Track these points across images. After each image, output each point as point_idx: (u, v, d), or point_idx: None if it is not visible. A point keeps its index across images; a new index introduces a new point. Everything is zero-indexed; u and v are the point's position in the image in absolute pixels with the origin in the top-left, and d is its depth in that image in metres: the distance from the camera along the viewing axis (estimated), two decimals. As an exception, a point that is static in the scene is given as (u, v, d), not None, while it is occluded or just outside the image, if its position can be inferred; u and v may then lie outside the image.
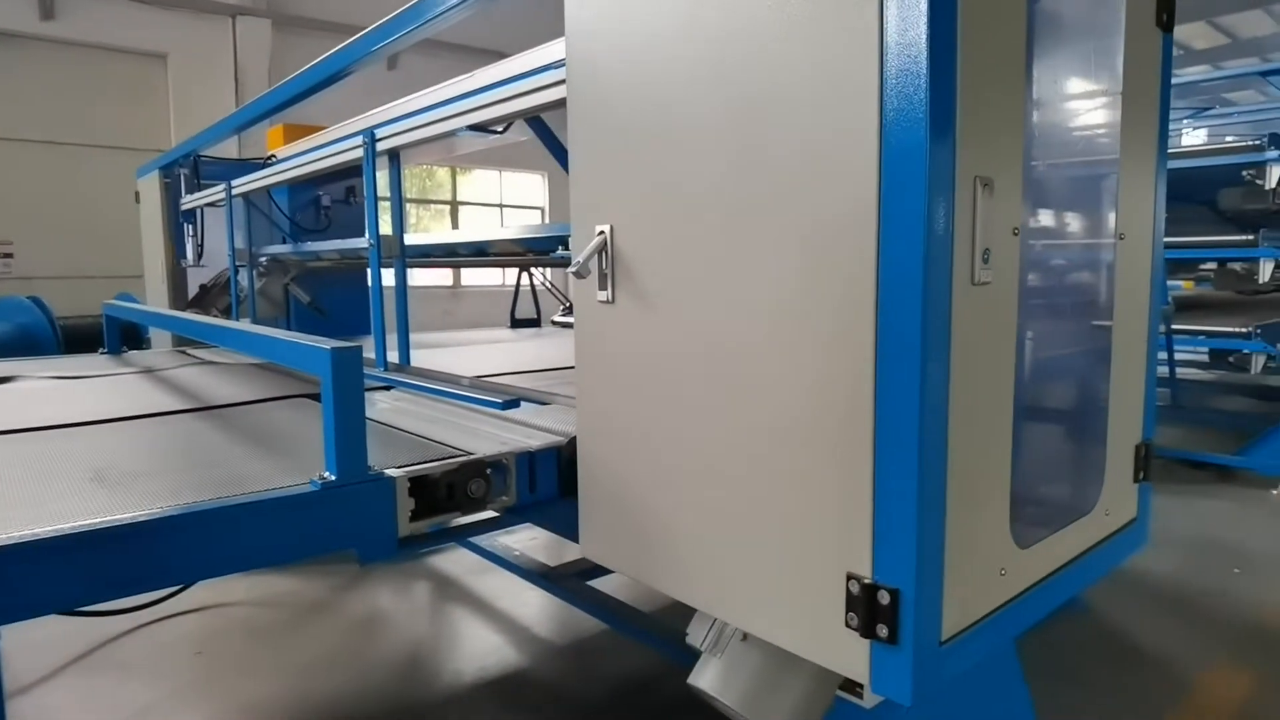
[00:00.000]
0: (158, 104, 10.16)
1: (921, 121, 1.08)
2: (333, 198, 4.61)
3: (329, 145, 2.87)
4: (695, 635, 1.50)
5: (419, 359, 3.21)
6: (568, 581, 2.84)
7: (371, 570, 3.71)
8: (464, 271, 12.97)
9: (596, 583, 2.84)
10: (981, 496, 1.30)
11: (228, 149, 8.10)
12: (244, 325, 2.60)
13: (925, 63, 1.08)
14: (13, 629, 3.22)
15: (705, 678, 1.45)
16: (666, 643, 2.37)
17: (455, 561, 3.84)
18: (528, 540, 3.98)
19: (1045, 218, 1.72)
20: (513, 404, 1.97)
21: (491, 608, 3.35)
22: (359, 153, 2.56)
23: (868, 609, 1.18)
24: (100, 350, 4.03)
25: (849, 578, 1.21)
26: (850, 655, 1.23)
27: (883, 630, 1.17)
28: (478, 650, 2.97)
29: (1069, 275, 1.81)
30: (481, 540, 3.30)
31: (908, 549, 1.14)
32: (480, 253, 2.79)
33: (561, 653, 2.96)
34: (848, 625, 1.21)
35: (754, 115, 1.30)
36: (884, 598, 1.17)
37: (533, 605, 3.34)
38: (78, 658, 2.91)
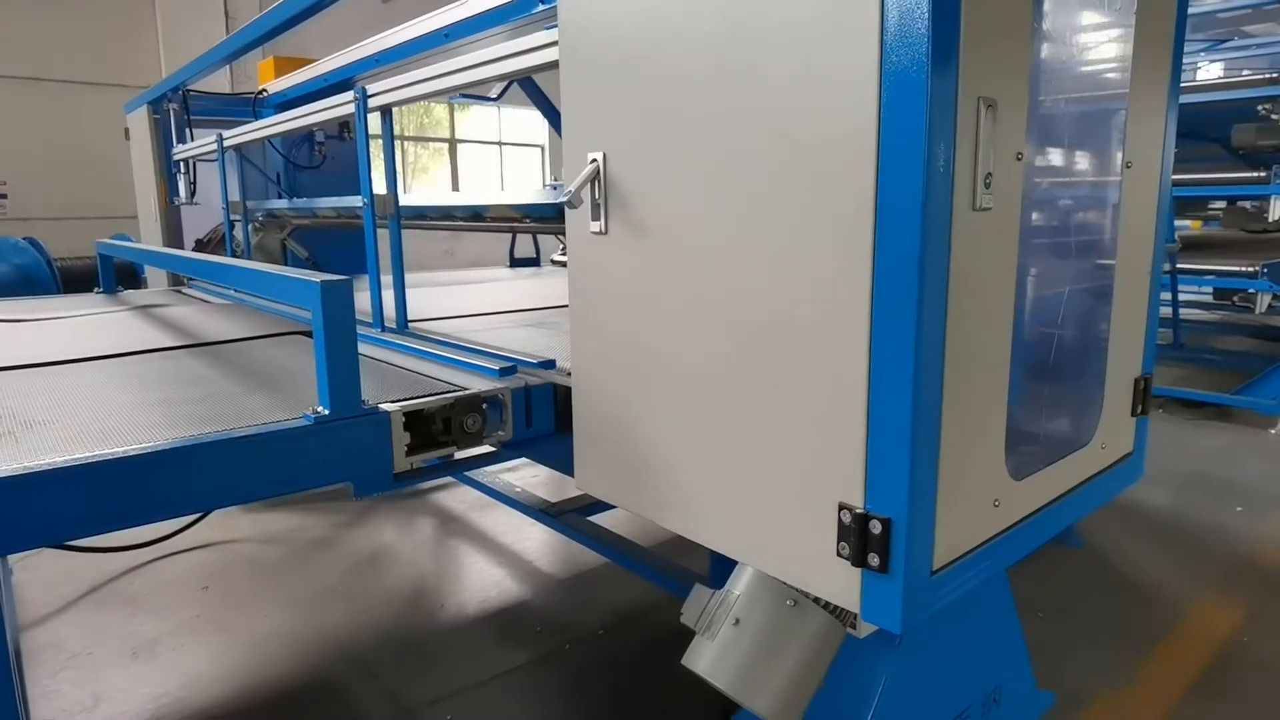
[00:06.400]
0: (146, 40, 9.92)
1: (923, 38, 1.04)
2: (327, 133, 4.52)
3: (319, 101, 2.79)
4: (689, 616, 1.53)
5: (417, 299, 3.18)
6: (568, 517, 2.87)
7: (375, 507, 3.75)
8: (465, 210, 12.82)
9: (597, 518, 2.88)
10: (976, 428, 1.29)
11: (220, 83, 7.93)
12: (236, 261, 2.57)
13: (929, -25, 1.03)
14: (24, 565, 3.28)
15: (697, 660, 1.50)
16: (663, 575, 2.41)
17: (458, 498, 3.88)
18: (530, 477, 4.02)
19: (1051, 149, 1.67)
20: (509, 371, 1.96)
21: (494, 543, 3.39)
22: (350, 108, 2.50)
23: (859, 538, 1.18)
24: (96, 289, 4.00)
25: (841, 507, 1.21)
26: (841, 584, 1.24)
27: (874, 559, 1.18)
28: (480, 584, 3.02)
29: (1073, 208, 1.77)
30: (484, 477, 3.34)
31: (900, 479, 1.14)
32: (477, 216, 2.75)
33: (561, 585, 3.01)
34: (839, 554, 1.22)
35: (749, 32, 1.25)
36: (875, 527, 1.17)
37: (534, 540, 3.39)
38: (88, 592, 2.96)
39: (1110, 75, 1.66)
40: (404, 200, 2.61)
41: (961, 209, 1.14)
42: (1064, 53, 1.62)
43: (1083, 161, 1.74)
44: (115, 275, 4.05)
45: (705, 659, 1.49)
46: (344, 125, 4.52)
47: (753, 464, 1.36)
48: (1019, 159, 1.25)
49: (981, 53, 1.14)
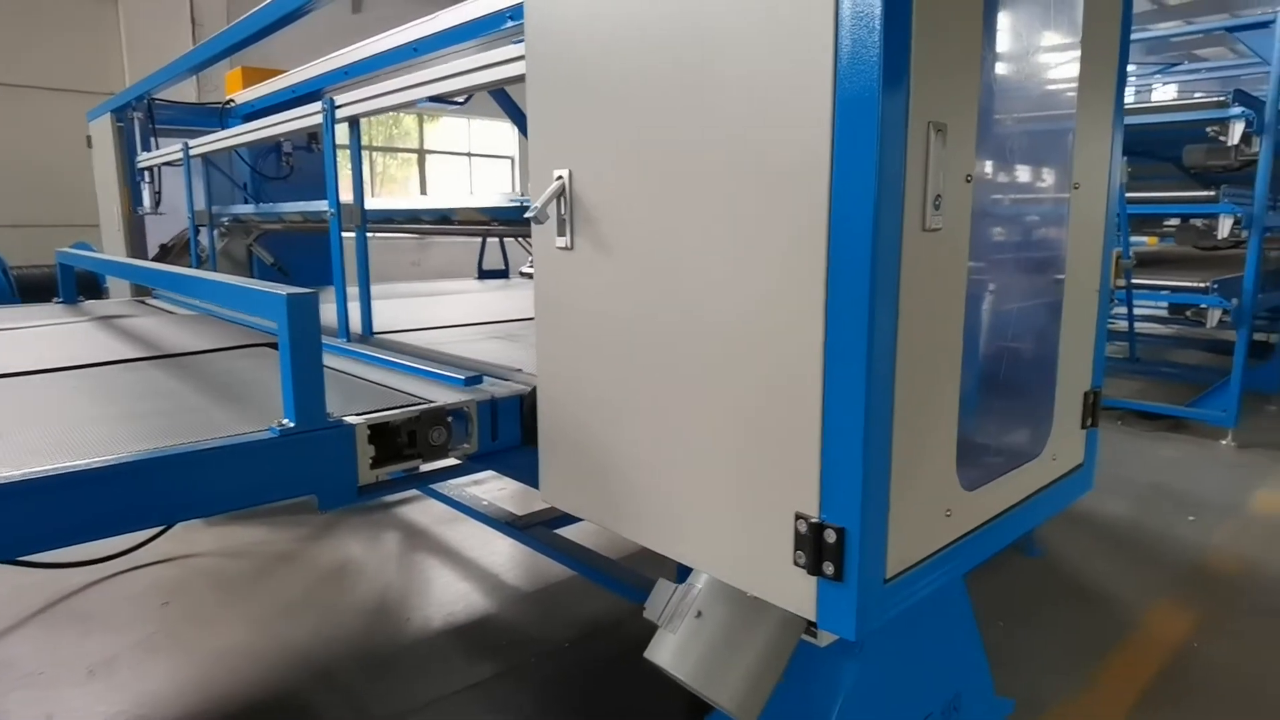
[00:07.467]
0: (110, 45, 9.77)
1: (875, 65, 1.08)
2: (294, 144, 4.50)
3: (287, 110, 2.78)
4: (652, 610, 1.55)
5: (384, 310, 3.17)
6: (535, 530, 2.87)
7: (340, 520, 3.72)
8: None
9: (564, 531, 2.88)
10: (928, 441, 1.33)
11: (186, 92, 7.83)
12: (200, 273, 2.54)
13: (880, 5, 1.07)
14: (-27, 583, 3.17)
15: (660, 654, 1.52)
16: (630, 587, 2.43)
17: (424, 511, 3.86)
18: (496, 490, 4.02)
19: (1000, 169, 1.73)
20: (475, 380, 1.97)
21: (460, 556, 3.38)
22: (318, 119, 2.49)
23: (814, 547, 1.22)
24: (55, 299, 3.94)
25: (797, 517, 1.24)
26: (798, 592, 1.27)
27: (829, 568, 1.21)
28: (446, 597, 3.01)
29: (1022, 225, 1.83)
30: (450, 490, 3.33)
31: (853, 490, 1.17)
32: (444, 220, 2.75)
33: (528, 598, 3.01)
34: (795, 563, 1.25)
35: (709, 58, 1.28)
36: (830, 536, 1.20)
37: (501, 553, 3.38)
38: (42, 609, 2.90)
39: (1058, 99, 1.72)
40: (371, 204, 2.60)
41: (911, 230, 1.18)
42: (1013, 77, 1.69)
43: (1031, 181, 1.80)
44: (76, 285, 3.98)
45: (667, 652, 1.50)
46: (312, 136, 4.50)
47: (712, 476, 1.38)
48: (968, 181, 1.30)
49: (931, 79, 1.18)
